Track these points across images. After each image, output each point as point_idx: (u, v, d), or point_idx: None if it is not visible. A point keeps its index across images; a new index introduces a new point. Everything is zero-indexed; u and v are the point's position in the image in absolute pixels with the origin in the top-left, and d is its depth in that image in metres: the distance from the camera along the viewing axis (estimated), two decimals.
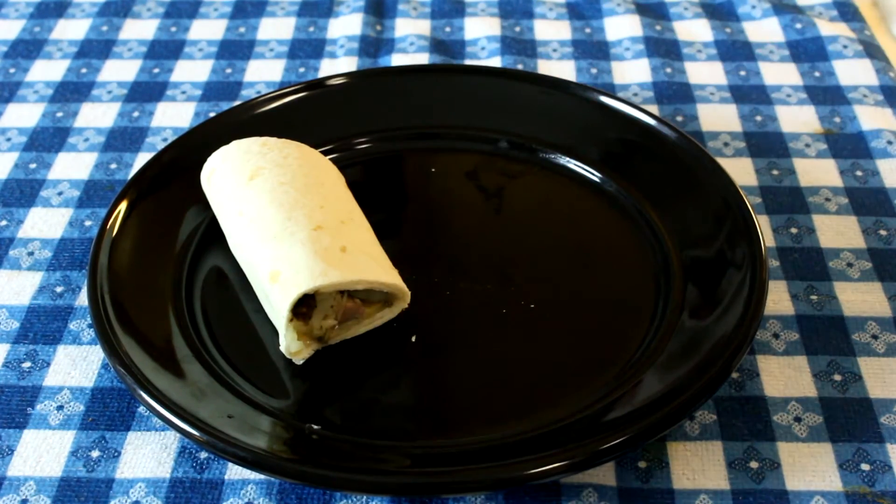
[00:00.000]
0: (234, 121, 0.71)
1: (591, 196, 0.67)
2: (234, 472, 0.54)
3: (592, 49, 0.84)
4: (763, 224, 0.66)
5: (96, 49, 0.86)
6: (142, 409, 0.57)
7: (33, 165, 0.74)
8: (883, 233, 0.66)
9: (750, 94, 0.78)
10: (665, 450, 0.54)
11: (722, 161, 0.69)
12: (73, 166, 0.74)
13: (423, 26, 0.88)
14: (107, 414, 0.57)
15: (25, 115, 0.79)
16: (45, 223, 0.69)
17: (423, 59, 0.84)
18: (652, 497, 0.52)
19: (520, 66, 0.82)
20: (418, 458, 0.53)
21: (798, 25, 0.85)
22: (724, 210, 0.62)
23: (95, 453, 0.55)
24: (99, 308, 0.57)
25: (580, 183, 0.68)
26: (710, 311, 0.57)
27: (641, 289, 0.61)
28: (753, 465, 0.53)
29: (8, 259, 0.66)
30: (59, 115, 0.79)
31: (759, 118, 0.76)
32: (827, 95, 0.78)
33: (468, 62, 0.84)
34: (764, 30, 0.86)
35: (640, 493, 0.52)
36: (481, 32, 0.87)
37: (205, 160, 0.65)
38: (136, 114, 0.79)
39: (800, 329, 0.60)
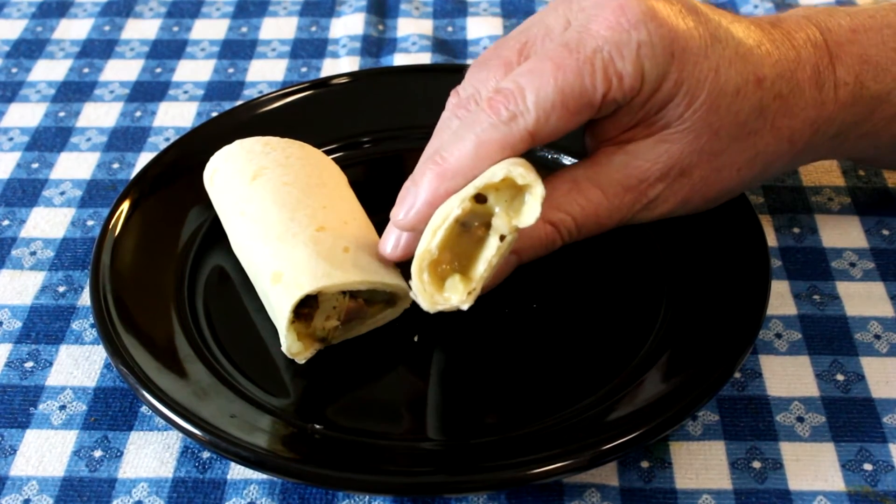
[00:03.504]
0: (236, 121, 0.71)
1: None
2: (237, 471, 0.54)
3: None
4: (765, 224, 0.66)
5: (98, 49, 0.86)
6: (144, 408, 0.57)
7: (35, 165, 0.74)
8: (885, 232, 0.66)
9: None
10: (668, 450, 0.54)
11: None
12: (75, 166, 0.74)
13: (426, 26, 0.88)
14: (109, 414, 0.57)
15: (28, 114, 0.79)
16: (48, 223, 0.69)
17: (425, 58, 0.84)
18: (655, 497, 0.52)
19: None
20: (421, 457, 0.53)
21: None
22: (726, 209, 0.62)
23: (98, 453, 0.55)
24: (101, 308, 0.57)
25: None
26: (712, 311, 0.57)
27: (644, 288, 0.61)
28: (756, 465, 0.53)
29: (10, 259, 0.66)
30: (62, 114, 0.79)
31: None
32: None
33: (470, 62, 0.84)
34: None
35: (643, 493, 0.52)
36: (483, 32, 0.87)
37: (207, 160, 0.65)
38: (138, 113, 0.79)
39: (802, 329, 0.60)
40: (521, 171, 0.48)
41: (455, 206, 0.49)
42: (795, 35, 0.55)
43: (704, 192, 0.55)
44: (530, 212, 0.48)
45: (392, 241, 0.55)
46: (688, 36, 0.51)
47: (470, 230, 0.50)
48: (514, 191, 0.49)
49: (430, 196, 0.51)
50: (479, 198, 0.49)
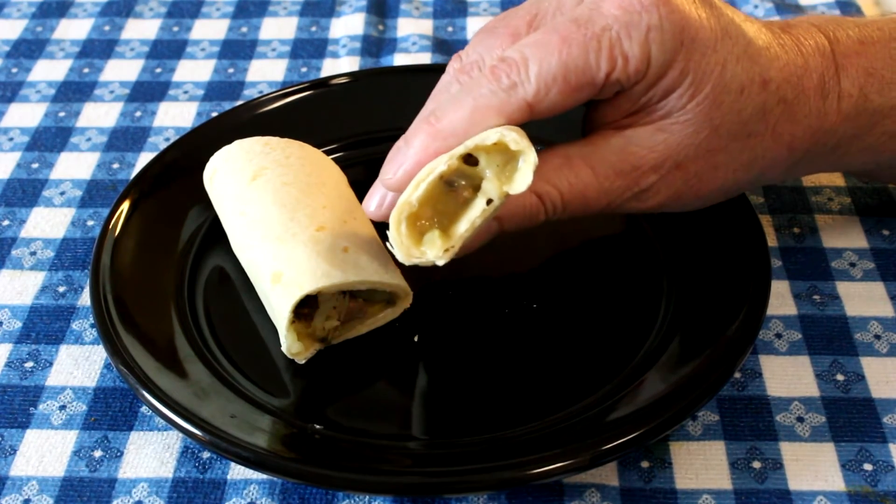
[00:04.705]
0: (236, 121, 0.71)
1: None
2: (237, 471, 0.54)
3: None
4: (765, 223, 0.66)
5: (98, 49, 0.86)
6: (144, 408, 0.57)
7: (35, 165, 0.74)
8: (885, 232, 0.66)
9: None
10: (668, 450, 0.54)
11: None
12: (75, 166, 0.74)
13: (426, 26, 0.88)
14: (109, 414, 0.57)
15: (28, 114, 0.79)
16: (48, 223, 0.69)
17: (425, 58, 0.84)
18: (655, 497, 0.52)
19: None
20: (421, 457, 0.53)
21: None
22: (726, 209, 0.62)
23: (98, 453, 0.55)
24: (101, 308, 0.57)
25: None
26: (712, 311, 0.57)
27: (644, 288, 0.61)
28: (756, 465, 0.53)
29: (10, 259, 0.66)
30: (62, 114, 0.79)
31: None
32: None
33: None
34: None
35: (643, 493, 0.52)
36: None
37: (207, 160, 0.65)
38: (138, 113, 0.79)
39: (802, 329, 0.60)
40: (515, 137, 0.47)
41: (442, 162, 0.48)
42: (804, 42, 0.55)
43: (698, 189, 0.55)
44: (522, 178, 0.48)
45: (377, 200, 0.55)
46: (699, 26, 0.51)
47: (456, 190, 0.49)
48: (506, 156, 0.48)
49: (420, 155, 0.50)
50: (471, 159, 0.49)
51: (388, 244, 0.50)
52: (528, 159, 0.47)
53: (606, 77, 0.50)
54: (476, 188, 0.49)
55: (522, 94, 0.50)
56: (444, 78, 0.56)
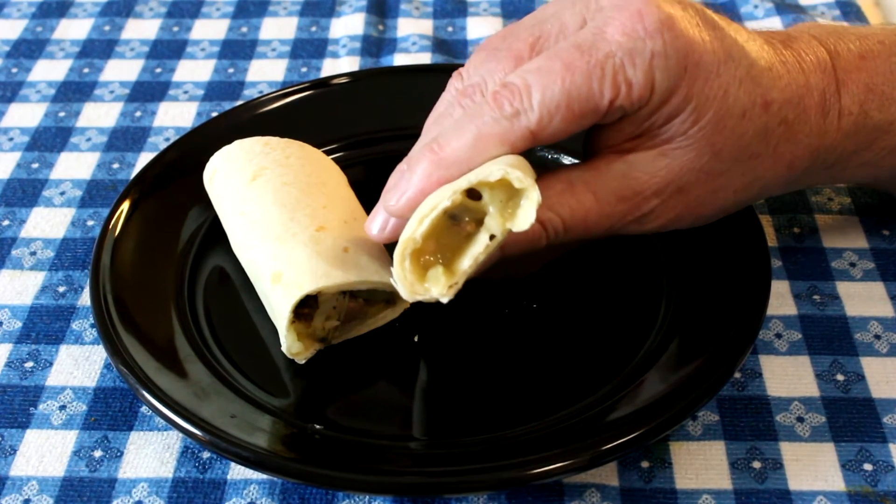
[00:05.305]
0: (236, 121, 0.71)
1: None
2: (237, 471, 0.54)
3: None
4: (765, 223, 0.66)
5: (98, 49, 0.86)
6: (144, 408, 0.57)
7: (35, 165, 0.74)
8: (886, 232, 0.66)
9: None
10: (668, 450, 0.54)
11: None
12: (75, 166, 0.74)
13: (426, 26, 0.88)
14: (109, 414, 0.57)
15: (28, 114, 0.79)
16: (48, 223, 0.69)
17: (425, 58, 0.84)
18: (655, 497, 0.52)
19: None
20: (421, 457, 0.53)
21: None
22: None
23: (98, 453, 0.55)
24: (101, 308, 0.57)
25: None
26: (712, 311, 0.57)
27: (644, 288, 0.61)
28: (756, 465, 0.53)
29: (10, 259, 0.66)
30: (62, 114, 0.79)
31: None
32: None
33: None
34: (766, 29, 0.85)
35: (643, 493, 0.52)
36: (483, 32, 0.87)
37: (207, 160, 0.65)
38: (138, 113, 0.79)
39: (802, 329, 0.60)
40: (519, 175, 0.47)
41: (445, 198, 0.48)
42: (805, 58, 0.54)
43: (699, 211, 0.55)
44: (525, 216, 0.48)
45: (379, 223, 0.54)
46: (702, 50, 0.51)
47: (459, 223, 0.50)
48: (510, 192, 0.49)
49: (423, 184, 0.50)
50: (474, 194, 0.49)
51: (391, 280, 0.51)
52: (532, 197, 0.48)
53: (610, 104, 0.50)
54: (479, 222, 0.49)
55: (525, 123, 0.50)
56: (446, 97, 0.56)
